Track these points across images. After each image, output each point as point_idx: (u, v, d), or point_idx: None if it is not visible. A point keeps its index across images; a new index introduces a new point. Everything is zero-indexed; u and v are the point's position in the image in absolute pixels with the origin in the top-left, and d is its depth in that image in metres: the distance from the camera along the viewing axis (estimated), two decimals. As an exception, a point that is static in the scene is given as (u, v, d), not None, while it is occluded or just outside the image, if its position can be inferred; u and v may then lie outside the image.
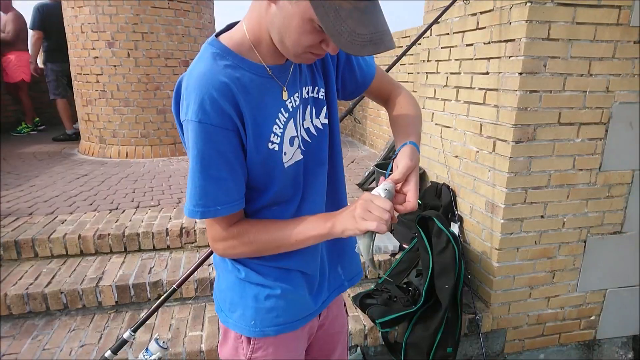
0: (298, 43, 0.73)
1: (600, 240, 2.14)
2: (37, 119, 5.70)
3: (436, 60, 2.41)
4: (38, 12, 4.56)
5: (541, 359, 2.34)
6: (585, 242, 2.13)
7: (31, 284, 2.04)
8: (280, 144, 0.83)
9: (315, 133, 0.91)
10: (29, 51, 5.00)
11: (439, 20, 2.16)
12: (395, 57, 2.14)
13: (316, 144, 0.92)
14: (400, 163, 0.83)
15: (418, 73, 2.74)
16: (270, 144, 0.81)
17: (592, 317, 2.30)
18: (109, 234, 2.32)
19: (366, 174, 3.15)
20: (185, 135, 0.79)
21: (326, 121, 0.94)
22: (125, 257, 2.32)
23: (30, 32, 4.72)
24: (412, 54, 3.13)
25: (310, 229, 0.82)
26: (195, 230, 2.42)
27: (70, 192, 3.07)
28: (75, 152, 4.52)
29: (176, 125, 0.83)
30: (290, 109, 0.85)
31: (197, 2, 4.17)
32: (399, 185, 0.83)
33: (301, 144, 0.89)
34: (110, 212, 2.63)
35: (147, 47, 3.95)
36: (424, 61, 2.55)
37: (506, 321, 2.22)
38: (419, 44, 2.44)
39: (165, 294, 1.49)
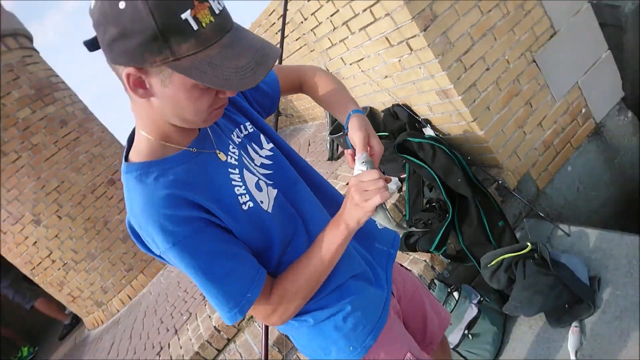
0: (198, 110, 0.73)
1: (545, 50, 2.23)
2: (27, 347, 5.19)
3: (311, 14, 2.41)
4: None
5: (570, 171, 2.47)
6: (535, 61, 2.22)
7: None
8: (252, 198, 0.83)
9: (271, 161, 0.92)
10: None
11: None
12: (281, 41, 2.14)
13: (278, 169, 0.92)
14: (355, 137, 0.85)
15: (305, 34, 2.73)
16: (243, 205, 0.81)
17: (583, 110, 2.42)
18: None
19: (328, 147, 3.17)
20: (173, 262, 0.77)
21: (271, 145, 0.95)
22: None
23: None
24: (288, 22, 3.11)
25: (332, 242, 0.83)
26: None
27: None
28: (86, 333, 4.35)
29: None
30: (236, 163, 0.85)
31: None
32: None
33: (267, 181, 0.89)
34: (159, 355, 2.59)
35: (69, 197, 3.82)
36: (301, 22, 2.54)
37: (523, 166, 2.32)
38: (288, 9, 2.43)
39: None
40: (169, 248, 0.73)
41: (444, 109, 2.25)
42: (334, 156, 3.18)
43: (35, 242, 3.76)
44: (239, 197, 0.81)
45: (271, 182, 0.89)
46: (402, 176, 2.53)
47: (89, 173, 3.92)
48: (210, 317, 2.50)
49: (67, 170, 3.80)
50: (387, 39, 2.12)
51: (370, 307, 0.97)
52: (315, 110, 4.38)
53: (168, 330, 2.84)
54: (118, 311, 4.05)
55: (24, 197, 3.63)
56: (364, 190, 0.76)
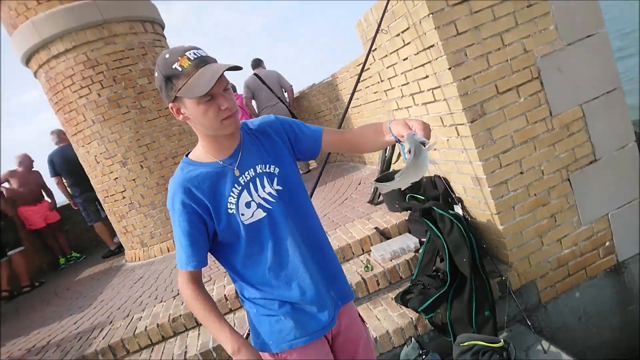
0: (210, 120, 1.10)
1: (582, 174, 2.37)
2: (74, 253, 6.27)
3: (388, 79, 2.78)
4: (50, 163, 5.25)
5: (578, 297, 2.51)
6: (569, 180, 2.37)
7: (130, 377, 2.42)
8: (236, 208, 1.18)
9: (276, 194, 1.23)
10: (62, 192, 5.65)
11: (374, 48, 2.55)
12: (355, 85, 2.52)
13: (277, 203, 1.22)
14: (395, 125, 1.17)
15: (378, 92, 3.10)
16: (228, 209, 1.17)
17: (607, 244, 2.48)
18: (180, 316, 2.71)
19: (372, 190, 3.47)
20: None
21: (280, 187, 1.24)
22: (199, 330, 2.69)
23: (53, 179, 5.39)
24: (371, 76, 3.52)
25: (216, 331, 1.18)
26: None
27: (135, 295, 3.51)
28: (123, 262, 5.01)
29: None
30: (242, 183, 1.19)
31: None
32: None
33: (263, 205, 1.21)
34: (174, 299, 3.03)
35: (154, 155, 4.50)
36: (379, 82, 2.93)
37: (531, 273, 2.42)
38: (368, 68, 2.83)
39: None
40: (169, 209, 1.19)
41: (474, 194, 2.47)
42: (374, 200, 3.47)
43: (117, 178, 4.53)
44: (228, 204, 1.17)
45: (266, 208, 1.21)
46: (423, 239, 2.75)
47: (176, 142, 4.64)
48: (224, 286, 2.89)
49: (161, 134, 4.55)
50: (441, 118, 2.41)
51: (300, 324, 1.24)
52: (375, 155, 4.71)
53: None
54: (155, 256, 4.64)
55: (121, 141, 4.43)
56: None
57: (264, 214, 1.21)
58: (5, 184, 5.65)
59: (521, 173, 2.32)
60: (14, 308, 4.76)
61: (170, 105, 1.13)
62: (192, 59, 1.06)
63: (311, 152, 1.34)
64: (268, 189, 1.23)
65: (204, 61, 1.07)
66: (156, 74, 1.11)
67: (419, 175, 1.10)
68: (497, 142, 2.25)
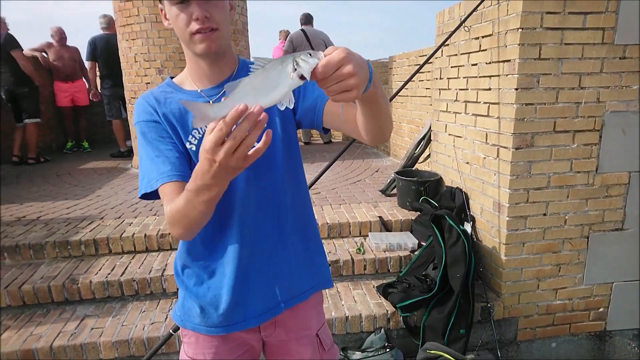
0: (181, 29, 0.89)
1: (603, 237, 2.35)
2: (86, 143, 6.35)
3: (447, 78, 2.71)
4: (90, 45, 5.20)
5: (553, 348, 2.55)
6: (588, 238, 2.35)
7: (109, 273, 2.47)
8: (197, 145, 0.94)
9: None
10: (87, 79, 5.66)
11: (447, 43, 2.47)
12: (411, 74, 2.46)
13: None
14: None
15: (433, 89, 3.04)
16: (188, 144, 0.95)
17: (601, 309, 2.49)
18: (169, 234, 2.74)
19: (388, 181, 3.45)
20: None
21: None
22: (181, 253, 2.74)
23: (87, 63, 5.38)
24: (430, 71, 3.44)
25: (194, 191, 0.78)
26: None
27: (132, 200, 3.55)
28: (129, 166, 5.07)
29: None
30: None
31: (234, 31, 4.66)
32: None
33: None
34: None
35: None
36: (437, 78, 2.85)
37: (517, 310, 2.44)
38: (431, 62, 2.76)
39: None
40: (134, 123, 0.97)
41: (490, 218, 2.45)
42: (386, 191, 3.46)
43: (149, 83, 4.49)
44: (190, 137, 0.95)
45: None
46: (422, 243, 2.75)
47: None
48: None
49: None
50: (486, 134, 2.37)
51: (207, 313, 1.04)
52: (402, 150, 4.67)
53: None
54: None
55: (165, 48, 4.35)
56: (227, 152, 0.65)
57: None
58: (43, 54, 5.64)
59: (544, 215, 2.29)
60: (15, 175, 4.84)
61: (160, 7, 0.95)
62: None
63: (308, 121, 1.01)
64: None
65: None
66: None
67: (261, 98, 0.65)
68: (533, 176, 2.22)
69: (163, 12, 0.94)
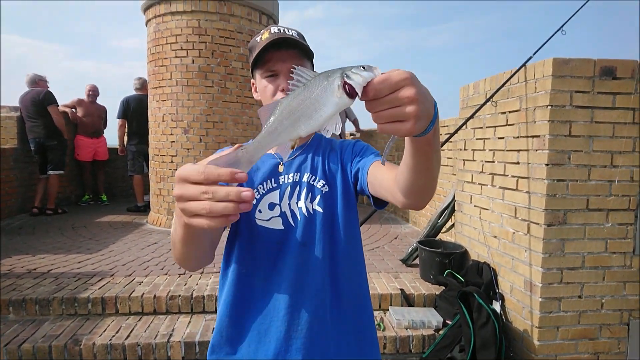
0: (267, 99, 0.97)
1: (645, 324, 2.18)
2: (105, 196, 6.42)
3: (472, 150, 2.70)
4: (123, 104, 5.47)
5: None
6: (628, 325, 2.17)
7: (113, 336, 2.34)
8: (258, 201, 0.96)
9: (306, 214, 0.96)
10: (118, 135, 5.86)
11: (473, 116, 2.49)
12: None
13: (305, 223, 0.95)
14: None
15: (456, 159, 3.02)
16: (257, 194, 0.97)
17: (646, 408, 2.24)
18: (179, 296, 2.63)
19: (409, 250, 3.33)
20: None
21: (319, 209, 0.96)
22: (191, 318, 2.60)
23: (117, 121, 5.61)
24: (451, 141, 3.46)
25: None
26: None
27: (144, 257, 3.48)
28: (144, 222, 5.05)
29: None
30: (281, 182, 0.98)
31: (261, 96, 4.85)
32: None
33: (287, 217, 0.95)
34: (179, 277, 2.97)
35: (216, 134, 4.57)
36: (461, 149, 2.85)
37: (552, 403, 2.21)
38: (457, 133, 2.76)
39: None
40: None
41: (521, 298, 2.30)
42: (407, 261, 3.32)
43: (174, 141, 4.64)
44: (256, 192, 0.96)
45: (290, 224, 0.95)
46: (448, 322, 2.58)
47: (240, 130, 4.73)
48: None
49: (230, 117, 4.67)
50: (515, 209, 2.29)
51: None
52: (422, 218, 4.58)
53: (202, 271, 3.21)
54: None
55: (193, 110, 4.56)
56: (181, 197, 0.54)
57: (282, 227, 0.96)
58: (73, 110, 5.93)
59: (579, 297, 2.15)
60: (31, 225, 4.85)
61: (252, 81, 1.04)
62: (273, 32, 0.97)
63: (358, 184, 0.98)
64: (302, 203, 0.96)
65: (281, 35, 0.95)
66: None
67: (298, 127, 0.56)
68: (566, 255, 2.11)
69: (254, 85, 1.03)
